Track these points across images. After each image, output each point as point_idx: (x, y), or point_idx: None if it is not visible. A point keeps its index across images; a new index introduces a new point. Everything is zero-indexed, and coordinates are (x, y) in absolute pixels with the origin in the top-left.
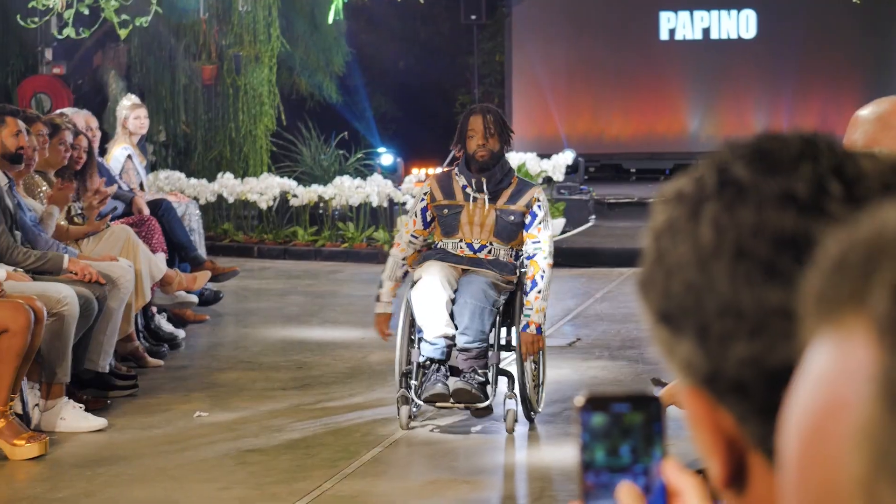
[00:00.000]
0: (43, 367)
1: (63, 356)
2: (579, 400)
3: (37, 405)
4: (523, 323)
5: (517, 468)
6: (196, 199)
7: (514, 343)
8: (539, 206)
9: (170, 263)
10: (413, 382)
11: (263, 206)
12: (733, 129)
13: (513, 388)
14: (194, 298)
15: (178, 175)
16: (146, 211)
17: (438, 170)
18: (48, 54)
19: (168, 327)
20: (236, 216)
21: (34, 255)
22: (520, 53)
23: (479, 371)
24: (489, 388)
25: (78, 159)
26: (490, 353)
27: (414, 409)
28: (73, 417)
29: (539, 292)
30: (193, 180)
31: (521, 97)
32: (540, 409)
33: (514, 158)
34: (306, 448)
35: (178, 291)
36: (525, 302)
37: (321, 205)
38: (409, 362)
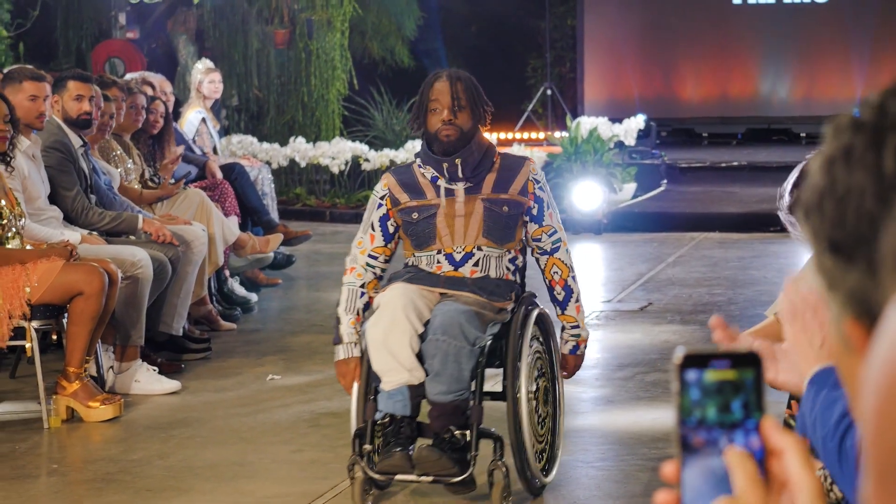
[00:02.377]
0: (117, 329)
1: (137, 319)
2: (678, 358)
3: (111, 368)
4: (570, 345)
5: (589, 432)
6: (268, 163)
7: (510, 391)
8: (540, 187)
9: (242, 227)
10: (367, 447)
11: (335, 170)
12: (805, 93)
13: (501, 456)
14: (268, 260)
15: (251, 139)
16: (219, 175)
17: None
18: (122, 19)
19: (241, 290)
20: (308, 180)
21: (109, 215)
22: (592, 17)
23: (456, 432)
24: (469, 455)
25: (154, 123)
26: (470, 408)
27: (369, 486)
28: (147, 380)
29: (578, 301)
30: (266, 144)
31: (593, 61)
32: (551, 478)
33: (585, 123)
34: None
35: (250, 255)
36: (562, 317)
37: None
38: (366, 419)
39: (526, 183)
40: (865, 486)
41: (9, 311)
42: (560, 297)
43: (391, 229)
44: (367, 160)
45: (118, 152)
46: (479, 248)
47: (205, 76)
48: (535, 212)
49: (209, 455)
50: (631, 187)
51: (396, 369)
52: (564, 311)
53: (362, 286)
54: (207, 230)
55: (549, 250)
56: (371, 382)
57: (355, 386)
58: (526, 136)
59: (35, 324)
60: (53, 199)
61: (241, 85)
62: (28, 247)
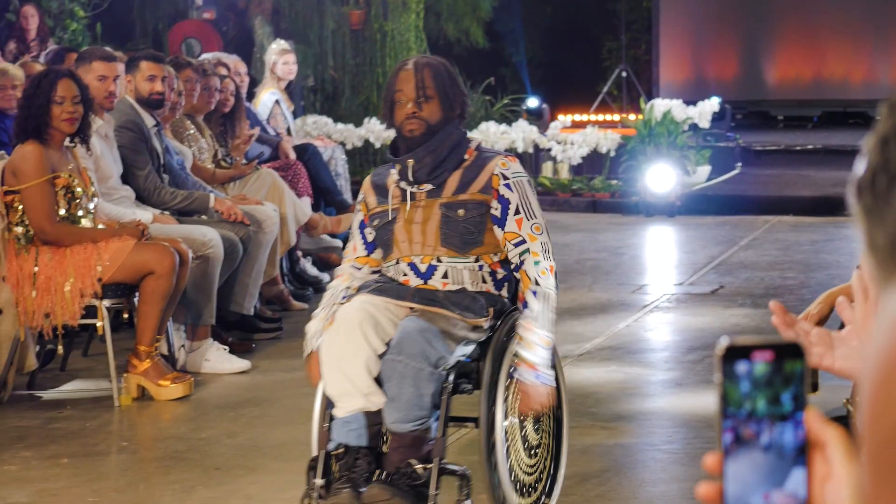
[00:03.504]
0: (189, 309)
1: (208, 298)
2: (720, 349)
3: (182, 346)
4: (515, 367)
5: (657, 415)
6: (343, 143)
7: (483, 419)
8: (508, 186)
9: (315, 207)
10: (317, 481)
11: None
12: (882, 76)
13: (468, 496)
14: (339, 242)
15: (326, 120)
16: (292, 155)
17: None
18: None
19: (313, 271)
20: (382, 161)
21: (180, 194)
22: (667, 0)
23: (416, 466)
24: (431, 492)
25: (225, 102)
26: (432, 440)
27: None
28: (217, 359)
29: (534, 318)
30: (340, 125)
31: (669, 43)
32: None
33: (659, 105)
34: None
35: (322, 235)
36: (515, 335)
37: None
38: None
39: (489, 179)
40: (862, 472)
41: (80, 290)
42: (518, 314)
43: (370, 237)
44: None
45: (191, 132)
46: (439, 259)
47: (279, 57)
48: (497, 213)
49: (278, 434)
50: (705, 170)
51: (351, 394)
52: (518, 327)
53: (347, 288)
54: (279, 210)
55: (518, 263)
56: (328, 407)
57: (316, 407)
58: (601, 118)
59: (106, 302)
60: (126, 178)
61: (316, 66)
62: (100, 226)
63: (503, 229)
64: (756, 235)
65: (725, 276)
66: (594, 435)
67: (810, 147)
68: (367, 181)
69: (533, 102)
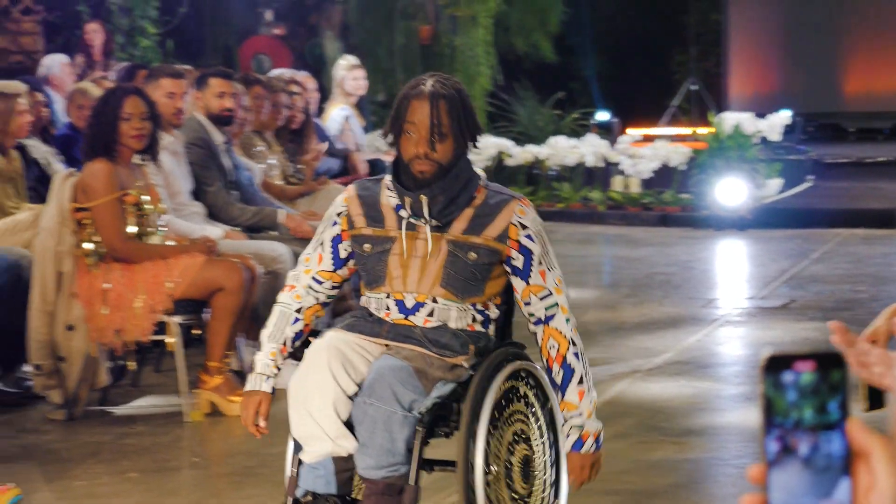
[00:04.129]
0: (259, 324)
1: None
2: (762, 360)
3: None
4: (573, 439)
5: (727, 429)
6: None
7: (461, 460)
8: (530, 237)
9: None
10: None
11: (480, 165)
12: None
13: None
14: None
15: None
16: (362, 168)
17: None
18: (268, 15)
19: None
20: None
21: (250, 210)
22: (736, 12)
23: None
24: None
25: (292, 118)
26: (406, 488)
27: None
28: (288, 374)
29: (581, 381)
30: None
31: (738, 56)
32: None
33: (729, 119)
34: None
35: None
36: (562, 405)
37: (536, 165)
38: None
39: (507, 228)
40: None
41: (151, 306)
42: (558, 379)
43: (343, 254)
44: (510, 156)
45: (260, 148)
46: (434, 300)
47: (348, 72)
48: (518, 265)
49: None
50: (776, 183)
51: (318, 437)
52: (564, 397)
53: (298, 311)
54: None
55: (542, 318)
56: (296, 450)
57: (288, 452)
58: (671, 131)
59: (177, 318)
60: (196, 194)
61: (386, 80)
62: (170, 242)
63: (527, 282)
64: (827, 248)
65: (796, 289)
66: (664, 450)
67: (881, 159)
68: (352, 195)
69: (603, 116)
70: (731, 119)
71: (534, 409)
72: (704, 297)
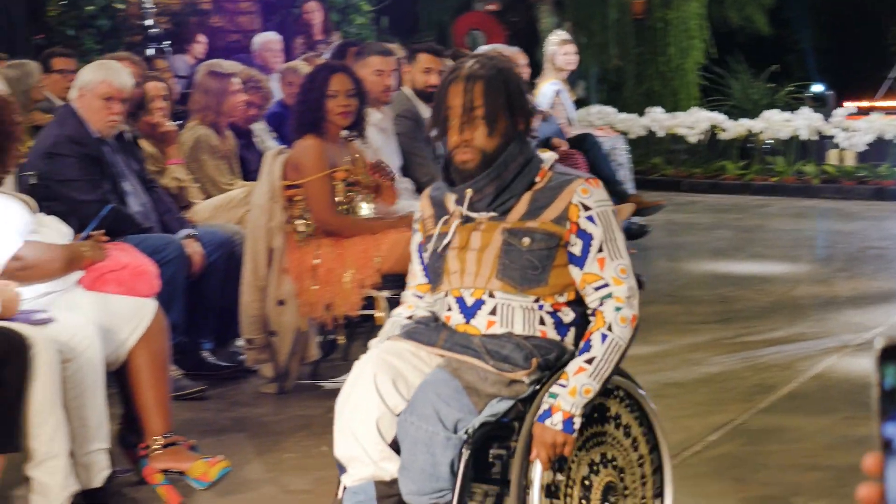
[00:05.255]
0: None
1: None
2: (877, 350)
3: None
4: (544, 407)
5: None
6: (626, 133)
7: (515, 483)
8: (591, 218)
9: None
10: None
11: (693, 140)
12: None
13: None
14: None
15: (609, 110)
16: (562, 146)
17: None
18: None
19: None
20: (665, 150)
21: None
22: None
23: None
24: None
25: None
26: None
27: None
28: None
29: (590, 362)
30: (623, 115)
31: None
32: None
33: None
34: (723, 381)
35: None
36: (561, 373)
37: (750, 138)
38: None
39: (566, 208)
40: None
41: (360, 281)
42: (576, 352)
43: (427, 261)
44: (724, 130)
45: None
46: (491, 295)
47: (559, 48)
48: (576, 251)
49: None
50: None
51: (360, 459)
52: (566, 367)
53: (409, 317)
54: None
55: (596, 305)
56: (341, 472)
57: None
58: (887, 104)
59: (385, 293)
60: (405, 170)
61: (599, 55)
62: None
63: (582, 270)
64: None
65: None
66: (870, 426)
67: None
68: (426, 198)
69: (818, 89)
70: None
71: (629, 430)
72: None
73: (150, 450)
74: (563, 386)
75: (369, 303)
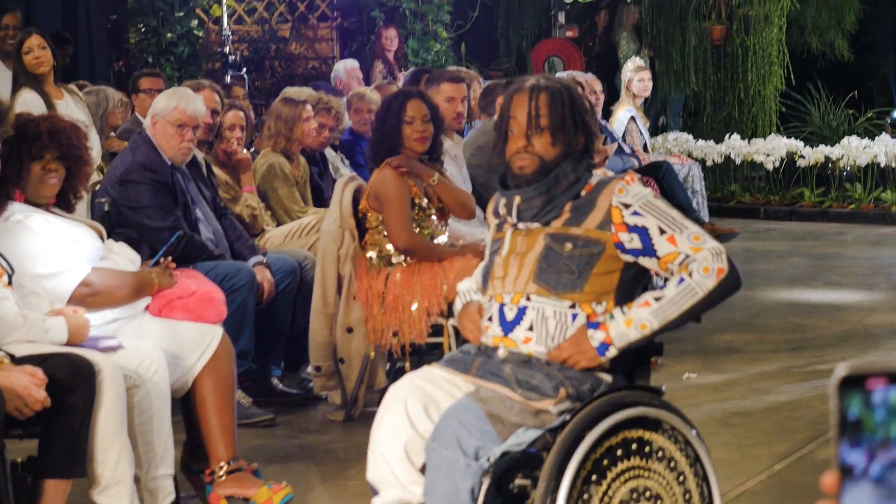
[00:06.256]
0: None
1: None
2: (836, 378)
3: None
4: (598, 319)
5: None
6: (702, 160)
7: None
8: (635, 211)
9: None
10: None
11: (770, 167)
12: None
13: None
14: None
15: (686, 136)
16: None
17: None
18: (561, 17)
19: None
20: (743, 177)
21: None
22: None
23: None
24: None
25: None
26: None
27: None
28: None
29: (658, 299)
30: (701, 142)
31: None
32: None
33: None
34: (791, 411)
35: None
36: (627, 303)
37: (829, 165)
38: None
39: (608, 212)
40: None
41: (427, 309)
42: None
43: None
44: (802, 157)
45: None
46: (529, 298)
47: (634, 74)
48: (637, 245)
49: None
50: None
51: (390, 482)
52: (637, 298)
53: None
54: None
55: (683, 277)
56: (373, 494)
57: None
58: None
59: (452, 321)
60: (477, 200)
61: (678, 81)
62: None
63: (657, 257)
64: None
65: None
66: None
67: None
68: (491, 202)
69: None
70: None
71: (673, 464)
72: None
73: (215, 476)
74: (623, 314)
75: (436, 330)
